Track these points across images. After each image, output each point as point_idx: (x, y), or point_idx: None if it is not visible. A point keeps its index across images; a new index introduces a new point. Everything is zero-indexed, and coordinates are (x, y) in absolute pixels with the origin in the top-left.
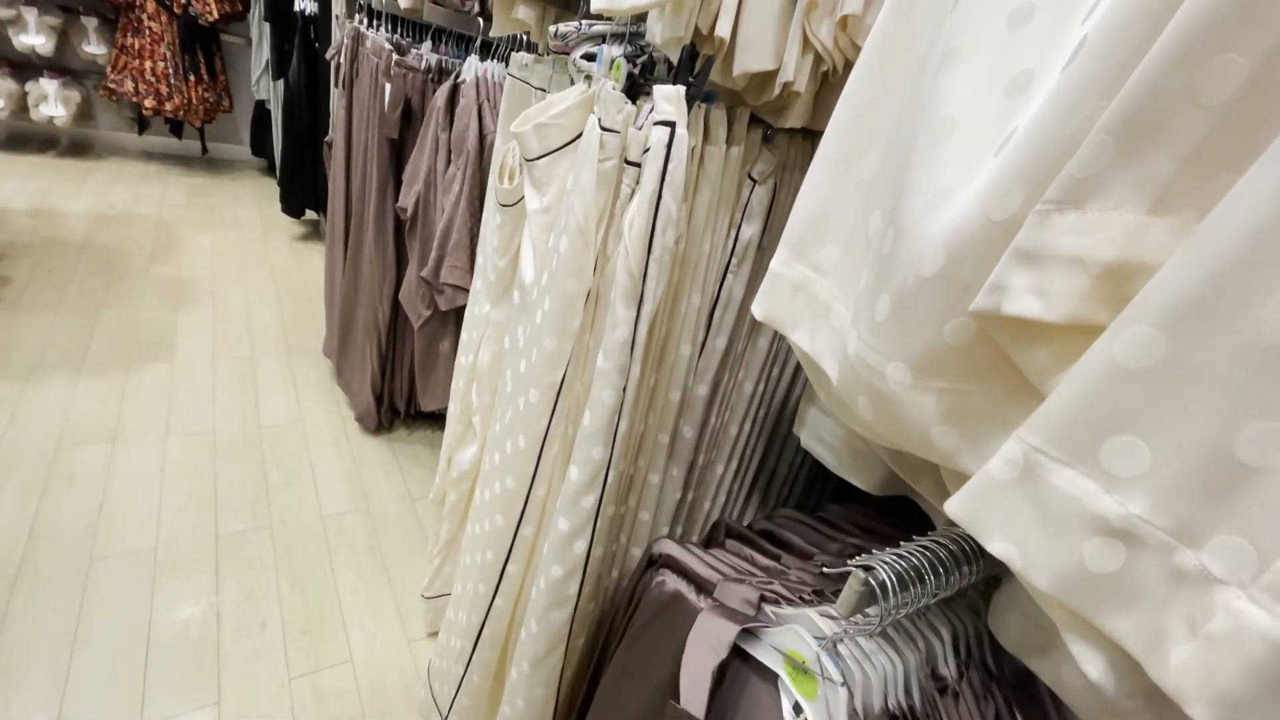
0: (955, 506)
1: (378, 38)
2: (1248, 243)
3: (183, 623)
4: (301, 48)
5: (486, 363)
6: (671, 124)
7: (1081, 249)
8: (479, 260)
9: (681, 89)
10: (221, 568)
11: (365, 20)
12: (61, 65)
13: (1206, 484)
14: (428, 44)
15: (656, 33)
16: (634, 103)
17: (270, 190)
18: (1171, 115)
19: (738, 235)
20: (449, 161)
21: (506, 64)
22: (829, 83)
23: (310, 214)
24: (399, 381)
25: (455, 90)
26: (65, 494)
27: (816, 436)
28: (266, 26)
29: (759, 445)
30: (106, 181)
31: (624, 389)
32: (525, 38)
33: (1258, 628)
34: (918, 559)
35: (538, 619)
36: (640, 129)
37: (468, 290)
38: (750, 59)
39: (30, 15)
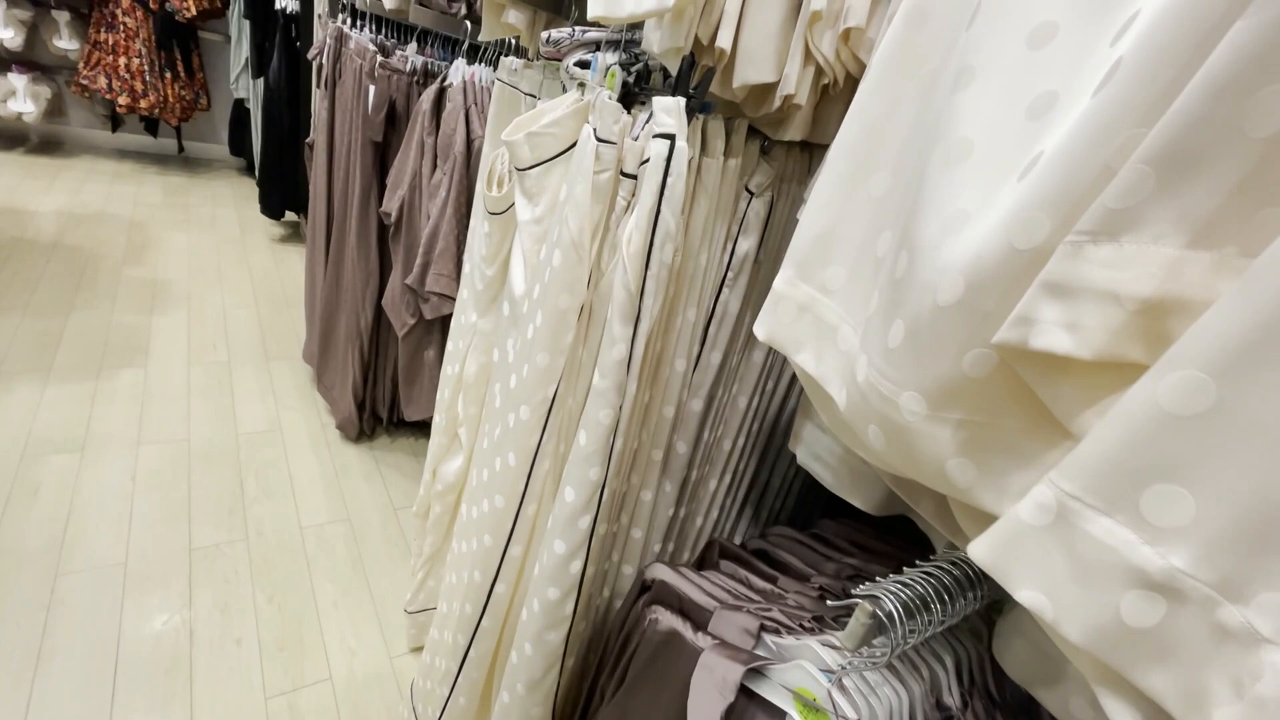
0: (981, 552)
1: (362, 38)
2: None
3: (153, 639)
4: (282, 46)
5: (473, 373)
6: (671, 137)
7: (1117, 283)
8: (465, 268)
9: (682, 101)
10: (195, 582)
11: (349, 20)
12: (31, 60)
13: (1255, 538)
14: (413, 45)
15: (654, 42)
16: (629, 112)
17: (249, 190)
18: (1216, 147)
19: (734, 249)
20: (435, 166)
21: (495, 68)
22: (829, 95)
23: (290, 215)
24: (381, 388)
25: (442, 94)
26: (31, 506)
27: (814, 454)
28: (246, 24)
29: (752, 459)
30: (78, 180)
31: (620, 408)
32: (514, 42)
33: None
34: (922, 586)
35: (532, 641)
36: (636, 139)
37: (454, 299)
38: (751, 71)
39: None
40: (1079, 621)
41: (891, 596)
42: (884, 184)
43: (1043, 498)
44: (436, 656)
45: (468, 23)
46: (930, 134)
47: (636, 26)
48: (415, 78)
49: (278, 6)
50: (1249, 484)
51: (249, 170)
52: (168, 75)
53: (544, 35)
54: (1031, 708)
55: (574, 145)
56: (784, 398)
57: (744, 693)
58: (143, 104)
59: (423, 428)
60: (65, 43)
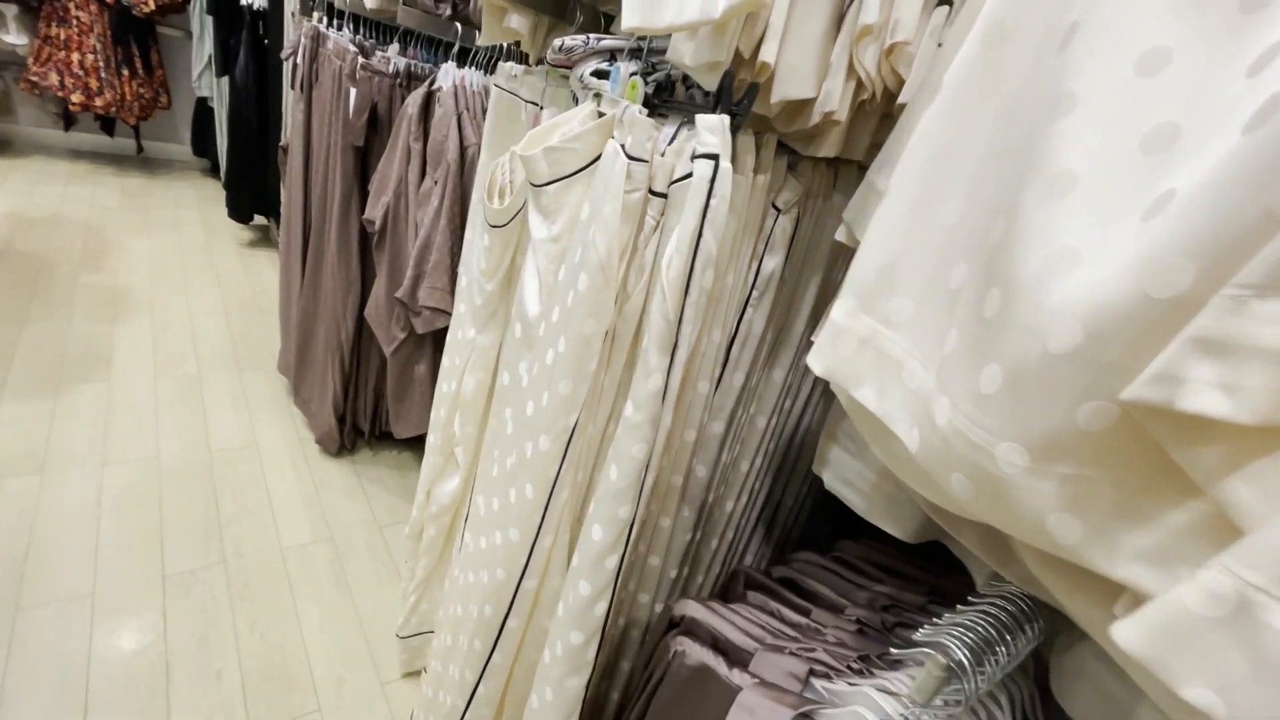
0: (1133, 641)
1: (341, 39)
2: None
3: (126, 677)
4: (250, 44)
5: (471, 391)
6: (715, 157)
7: None
8: (462, 282)
9: (726, 119)
10: (170, 611)
11: (325, 19)
12: None
13: None
14: (394, 46)
15: (685, 54)
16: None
17: (214, 192)
18: None
19: (759, 267)
20: (423, 173)
21: (486, 72)
22: (864, 110)
23: (259, 219)
24: (363, 401)
25: (430, 98)
26: None
27: (843, 480)
28: (209, 20)
29: (767, 479)
30: (29, 182)
31: (654, 441)
32: (507, 47)
33: None
34: (985, 628)
35: (554, 687)
36: (663, 155)
37: (448, 313)
38: (791, 86)
39: None
40: None
41: (958, 644)
42: (956, 212)
43: (1217, 586)
44: (441, 691)
45: (458, 25)
46: (1021, 163)
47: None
48: (398, 80)
49: (244, 3)
50: None
51: (213, 171)
52: (125, 72)
53: (556, 43)
54: None
55: (595, 161)
56: (800, 415)
57: None
58: (98, 102)
59: (406, 441)
60: (13, 37)
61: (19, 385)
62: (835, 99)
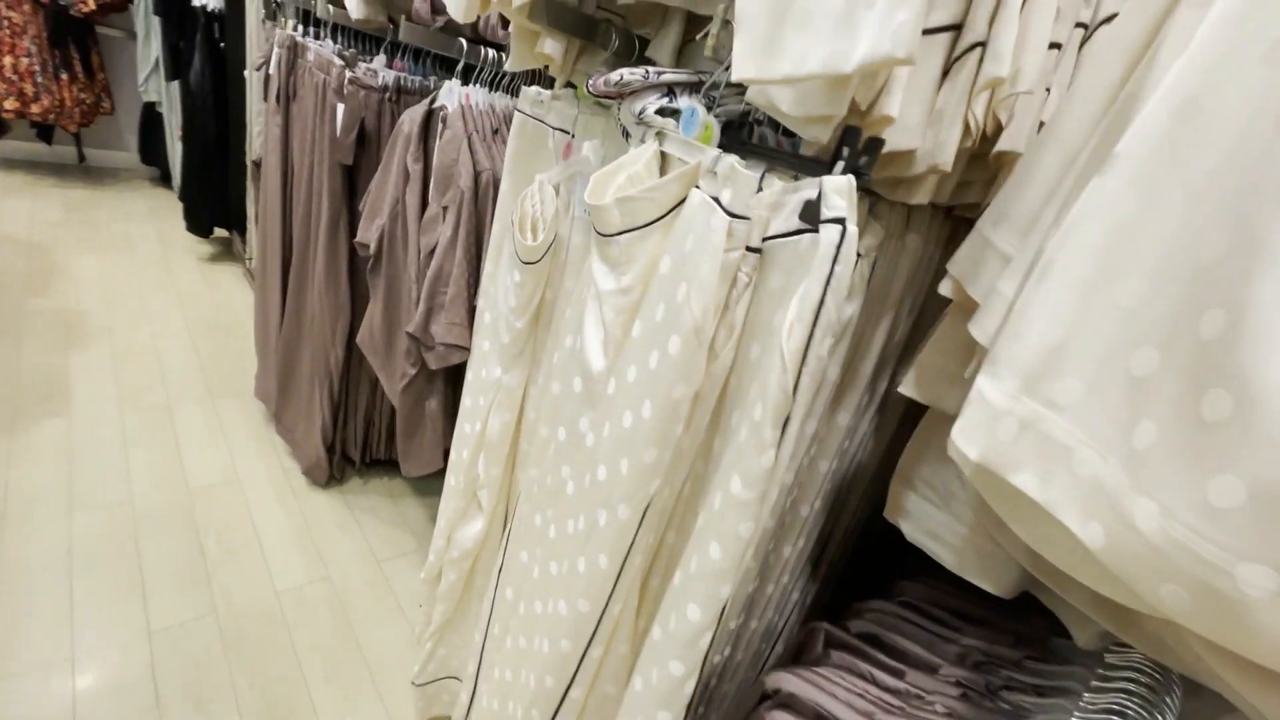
0: None
1: (324, 50)
2: None
3: None
4: (205, 48)
5: (497, 432)
6: (843, 221)
7: None
8: (485, 318)
9: (853, 181)
10: (160, 670)
11: (301, 28)
12: None
13: None
14: (380, 58)
15: (782, 101)
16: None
17: (167, 204)
18: None
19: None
20: (424, 196)
21: (491, 89)
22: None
23: (220, 231)
24: (353, 428)
25: (431, 116)
26: None
27: (928, 533)
28: (156, 21)
29: (821, 518)
30: None
31: (760, 518)
32: (501, 59)
33: None
34: (1136, 712)
35: None
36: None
37: (467, 349)
38: (901, 137)
39: None
40: None
41: None
42: (1138, 293)
43: None
44: None
45: (462, 40)
46: (1242, 252)
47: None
48: (387, 94)
49: (196, 4)
50: None
51: (164, 180)
52: (64, 76)
53: (613, 76)
54: None
55: (672, 210)
56: (855, 454)
57: None
58: (35, 109)
59: (397, 466)
60: None
61: None
62: (948, 151)
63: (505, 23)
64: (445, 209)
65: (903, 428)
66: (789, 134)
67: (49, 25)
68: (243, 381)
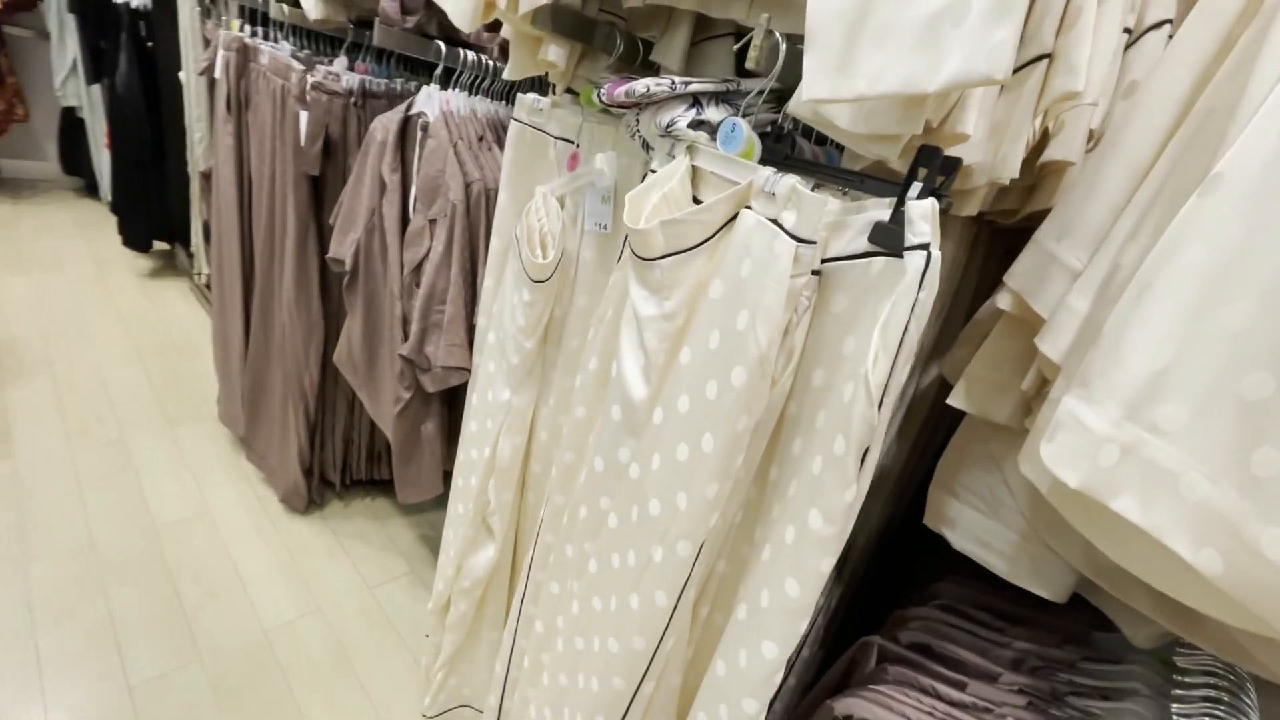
0: None
1: (279, 53)
2: None
3: None
4: (131, 48)
5: (508, 456)
6: (926, 245)
7: None
8: (489, 338)
9: (936, 205)
10: None
11: (248, 27)
12: None
13: None
14: (341, 60)
15: (844, 119)
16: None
17: (97, 216)
18: None
19: None
20: (404, 208)
21: (471, 93)
22: None
23: (160, 244)
24: (330, 450)
25: (407, 123)
26: None
27: (978, 540)
28: (71, 19)
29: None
30: None
31: (839, 552)
32: (494, 66)
33: None
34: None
35: None
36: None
37: (468, 370)
38: (967, 152)
39: None
40: None
41: None
42: (1247, 317)
43: None
44: None
45: (440, 44)
46: None
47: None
48: (353, 99)
49: (119, 0)
50: None
51: (90, 191)
52: None
53: (640, 85)
54: None
55: (720, 231)
56: (880, 461)
57: None
58: None
59: (380, 485)
60: None
61: None
62: (1013, 165)
63: (490, 25)
64: (432, 222)
65: (921, 432)
66: (821, 141)
67: None
68: (203, 406)
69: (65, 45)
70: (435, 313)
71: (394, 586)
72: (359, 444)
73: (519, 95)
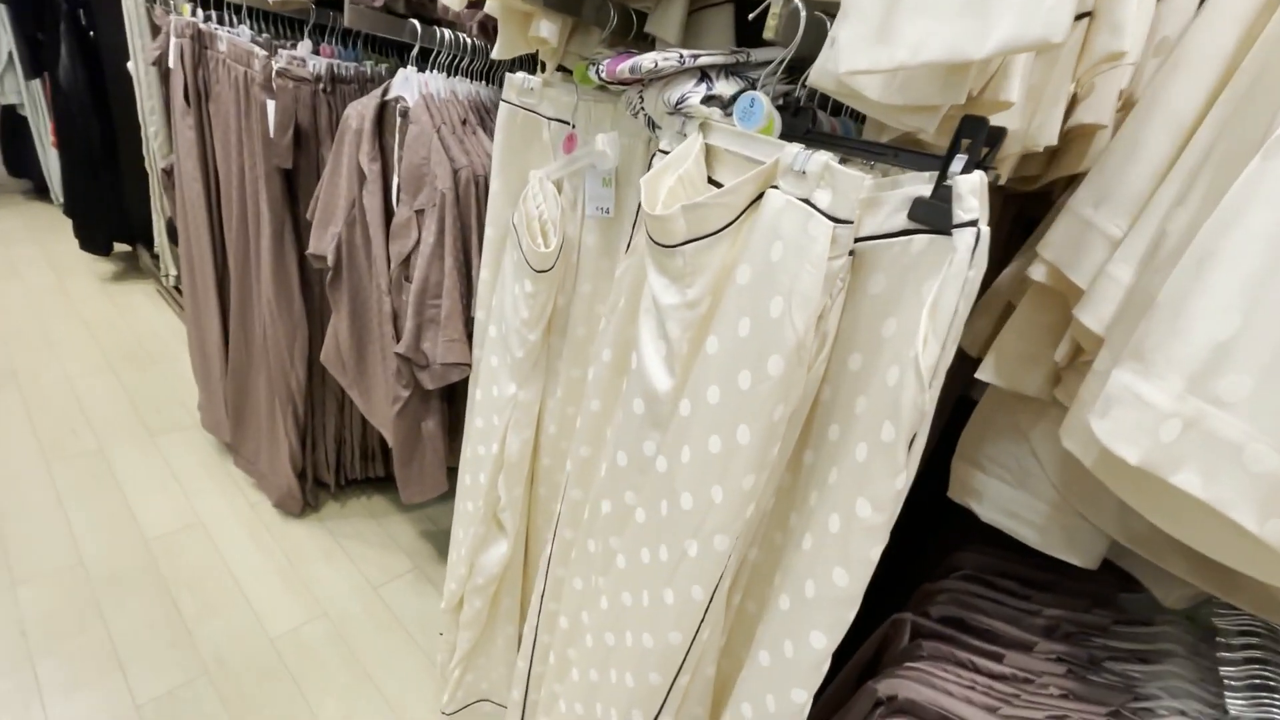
0: None
1: (239, 39)
2: None
3: None
4: (71, 39)
5: (516, 451)
6: (975, 222)
7: None
8: (490, 331)
9: (984, 178)
10: None
11: (200, 12)
12: None
13: None
14: (305, 43)
15: (874, 89)
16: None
17: (50, 220)
18: None
19: None
20: (386, 199)
21: (450, 75)
22: None
23: (121, 246)
24: (323, 451)
25: (384, 108)
26: None
27: (1006, 512)
28: (2, 9)
29: None
30: None
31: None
32: (473, 45)
33: None
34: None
35: None
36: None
37: (468, 366)
38: (1006, 120)
39: None
40: None
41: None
42: None
43: None
44: None
45: (415, 23)
46: None
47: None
48: (321, 85)
49: None
50: None
51: (39, 193)
52: None
53: (646, 60)
54: None
55: (744, 214)
56: None
57: None
58: None
59: (375, 483)
60: None
61: None
62: (1050, 132)
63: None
64: (420, 213)
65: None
66: (836, 111)
67: None
68: (183, 413)
69: None
70: (430, 307)
71: (399, 584)
72: (351, 443)
73: (507, 75)
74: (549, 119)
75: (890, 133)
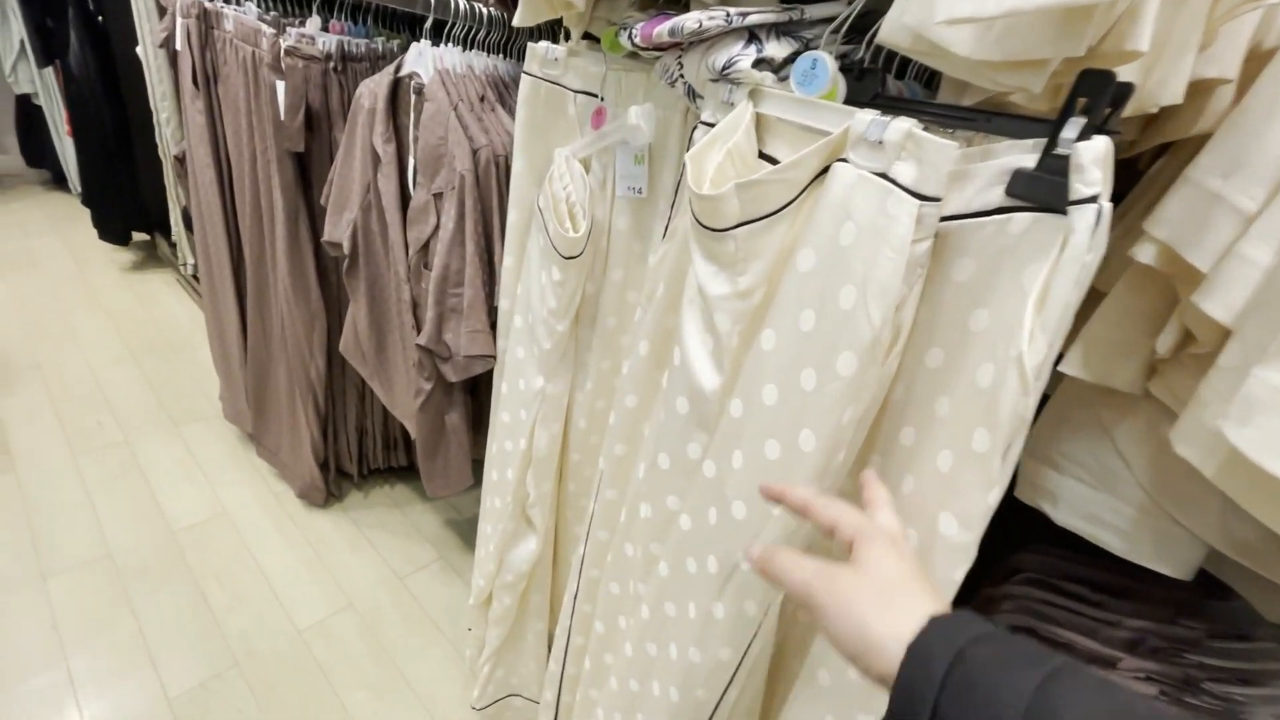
0: None
1: (245, 16)
2: None
3: None
4: (80, 25)
5: (545, 446)
6: (1096, 198)
7: None
8: (516, 321)
9: (1110, 145)
10: None
11: None
12: None
13: None
14: (314, 19)
15: (964, 44)
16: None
17: (68, 210)
18: None
19: None
20: (402, 182)
21: (466, 48)
22: None
23: (139, 235)
24: (345, 440)
25: (397, 86)
26: None
27: (1087, 516)
28: None
29: None
30: None
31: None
32: (489, 15)
33: None
34: None
35: None
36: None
37: (493, 358)
38: (1125, 76)
39: None
40: None
41: None
42: None
43: None
44: None
45: None
46: None
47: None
48: (332, 64)
49: None
50: None
51: (58, 183)
52: None
53: (688, 20)
54: None
55: (805, 191)
56: None
57: None
58: None
59: (398, 472)
60: None
61: None
62: (1175, 89)
63: None
64: (438, 196)
65: None
66: (900, 74)
67: None
68: (206, 403)
69: (9, 26)
70: (451, 296)
71: (425, 574)
72: (373, 433)
73: (529, 45)
74: (575, 92)
75: (971, 97)
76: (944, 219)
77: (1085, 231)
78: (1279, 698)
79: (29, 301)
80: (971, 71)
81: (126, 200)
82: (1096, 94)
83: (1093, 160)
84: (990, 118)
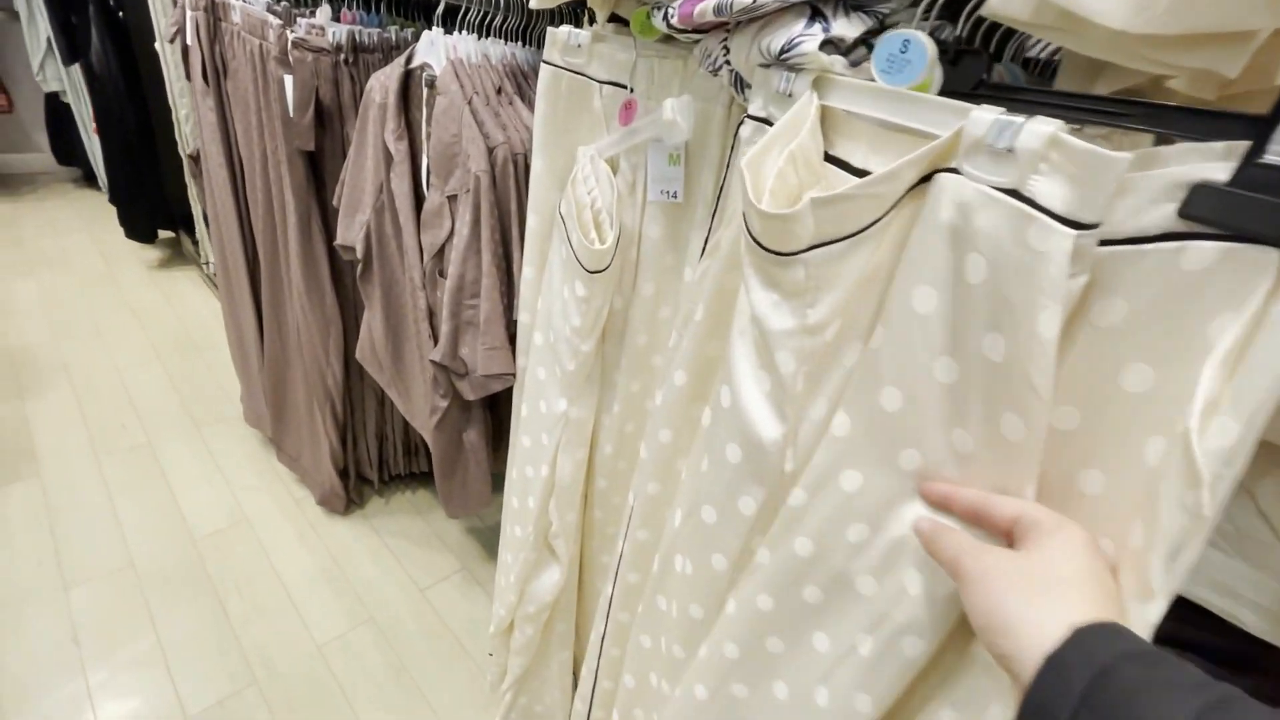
0: None
1: (252, 7)
2: None
3: None
4: (100, 21)
5: (569, 473)
6: None
7: None
8: (536, 339)
9: None
10: None
11: None
12: None
13: None
14: (324, 9)
15: (1116, 16)
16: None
17: (98, 208)
18: None
19: None
20: (416, 181)
21: (481, 36)
22: None
23: (164, 233)
24: (364, 447)
25: (409, 78)
26: None
27: (1218, 587)
28: None
29: None
30: None
31: None
32: (506, 2)
33: None
34: None
35: None
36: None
37: (511, 376)
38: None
39: None
40: None
41: None
42: None
43: None
44: None
45: None
46: None
47: None
48: (342, 56)
49: None
50: None
51: (89, 181)
52: None
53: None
54: None
55: (895, 206)
56: None
57: None
58: None
59: (419, 479)
60: None
61: None
62: None
63: None
64: (452, 199)
65: None
66: (995, 58)
67: None
68: (228, 406)
69: (37, 25)
70: (467, 309)
71: (446, 586)
72: (393, 439)
73: (549, 31)
74: (601, 82)
75: (1106, 84)
76: (1105, 244)
77: None
78: None
79: (58, 300)
80: (1120, 49)
81: (151, 197)
82: None
83: None
84: (1160, 112)
